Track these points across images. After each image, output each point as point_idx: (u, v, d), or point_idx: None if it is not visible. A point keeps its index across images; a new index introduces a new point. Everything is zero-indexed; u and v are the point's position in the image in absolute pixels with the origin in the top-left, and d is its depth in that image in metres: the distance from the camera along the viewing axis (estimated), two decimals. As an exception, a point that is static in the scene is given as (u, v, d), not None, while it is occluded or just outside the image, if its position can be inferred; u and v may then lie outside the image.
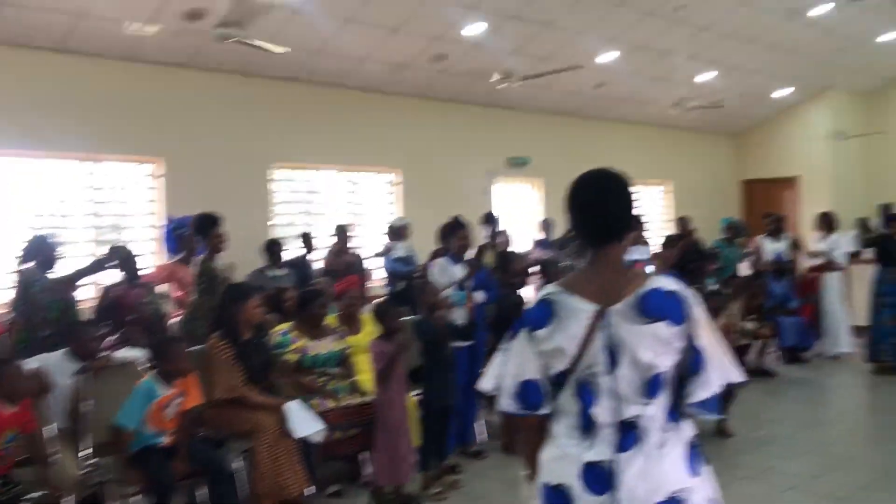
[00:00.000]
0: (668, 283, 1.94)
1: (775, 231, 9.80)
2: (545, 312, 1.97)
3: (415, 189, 10.72)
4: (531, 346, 1.98)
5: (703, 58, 11.61)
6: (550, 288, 2.02)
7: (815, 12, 10.78)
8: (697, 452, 1.97)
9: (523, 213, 12.16)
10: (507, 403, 2.02)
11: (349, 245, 8.43)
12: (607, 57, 10.95)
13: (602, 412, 1.91)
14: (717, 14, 10.41)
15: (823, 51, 12.49)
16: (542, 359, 1.97)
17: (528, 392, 1.99)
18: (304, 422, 4.39)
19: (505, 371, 2.03)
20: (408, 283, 7.33)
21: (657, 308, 1.90)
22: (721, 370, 1.92)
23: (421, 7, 8.56)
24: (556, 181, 12.35)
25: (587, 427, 1.93)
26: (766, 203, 14.46)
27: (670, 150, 14.29)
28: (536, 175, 12.29)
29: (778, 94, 13.96)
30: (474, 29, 9.28)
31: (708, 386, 1.90)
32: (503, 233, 9.10)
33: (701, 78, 12.21)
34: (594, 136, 13.06)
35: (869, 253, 9.39)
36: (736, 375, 1.95)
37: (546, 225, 10.49)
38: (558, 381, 1.97)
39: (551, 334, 1.94)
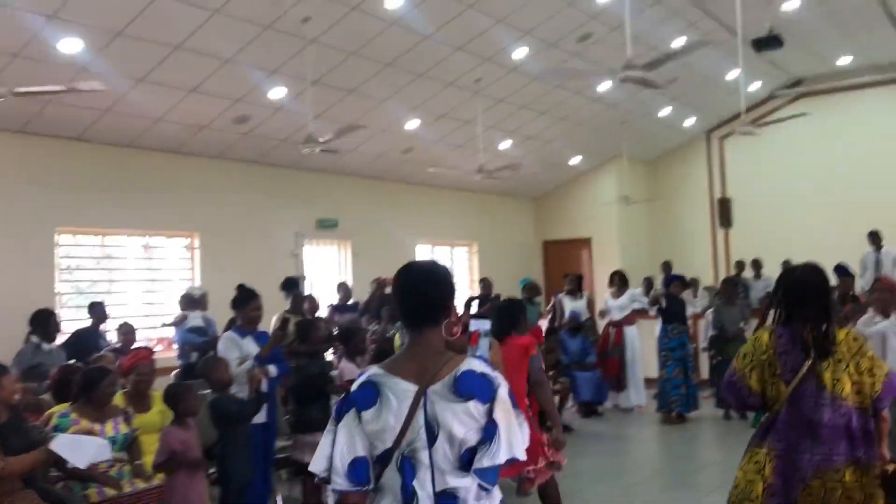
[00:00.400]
0: (479, 366, 2.14)
1: (574, 290, 10.33)
2: (370, 394, 2.12)
3: (214, 254, 10.35)
4: (358, 426, 2.10)
5: (501, 127, 12.22)
6: (375, 370, 2.18)
7: (601, 88, 11.67)
8: None
9: (333, 275, 12.02)
10: (339, 483, 2.10)
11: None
12: (413, 124, 11.24)
13: (422, 485, 2.06)
14: (512, 87, 11.02)
15: (609, 123, 13.50)
16: (368, 438, 2.10)
17: (357, 469, 2.11)
18: (80, 450, 3.99)
19: (334, 451, 2.12)
20: (201, 355, 6.97)
21: (468, 388, 2.09)
22: (509, 445, 2.07)
23: (221, 68, 8.38)
24: (363, 243, 12.42)
25: (409, 499, 2.07)
26: (564, 262, 15.32)
27: (476, 213, 14.66)
28: (344, 237, 12.22)
29: (573, 161, 14.90)
30: (277, 92, 9.20)
31: (493, 457, 2.05)
32: (310, 297, 8.92)
33: (501, 145, 12.88)
34: (402, 199, 13.28)
35: (653, 310, 10.03)
36: (521, 453, 2.10)
37: (343, 289, 10.30)
38: (382, 458, 2.10)
39: (377, 414, 2.09)
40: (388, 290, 7.90)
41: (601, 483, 6.70)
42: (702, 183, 15.84)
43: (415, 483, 2.06)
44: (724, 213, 15.42)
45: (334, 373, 5.93)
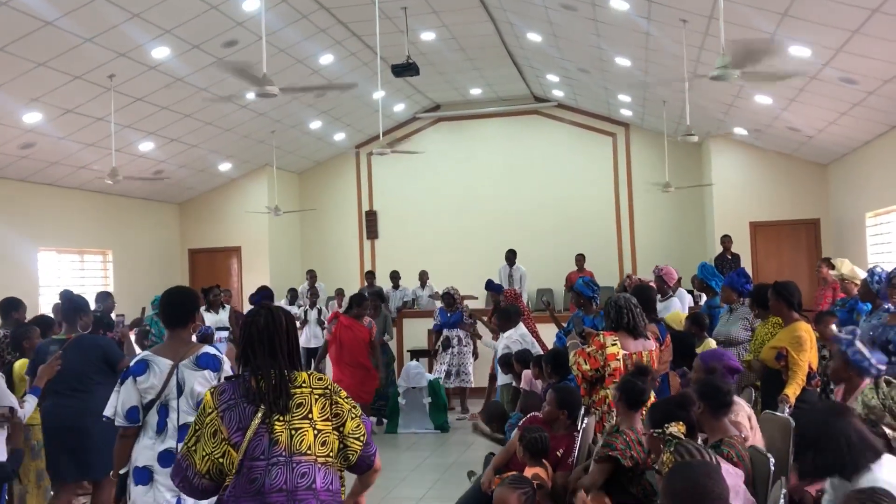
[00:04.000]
0: (213, 350, 3.78)
1: (214, 303, 10.03)
2: (143, 366, 3.66)
3: None
4: (133, 387, 3.62)
5: (140, 127, 11.52)
6: (146, 353, 3.76)
7: (249, 96, 11.42)
8: None
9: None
10: (119, 421, 3.61)
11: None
12: (33, 117, 10.08)
13: (171, 421, 3.61)
14: (152, 86, 10.44)
15: (258, 131, 13.43)
16: (140, 394, 3.61)
17: (132, 413, 3.62)
18: None
19: (118, 402, 3.63)
20: None
21: (205, 363, 3.70)
22: None
23: None
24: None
25: (161, 430, 3.61)
26: (212, 272, 15.00)
27: (111, 218, 13.76)
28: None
29: (222, 167, 14.54)
30: None
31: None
32: None
33: (141, 147, 12.15)
34: (20, 200, 11.86)
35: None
36: None
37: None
38: (147, 405, 3.61)
39: (146, 379, 3.63)
40: None
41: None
42: (351, 195, 16.34)
43: (168, 419, 3.60)
44: (370, 225, 16.14)
45: None
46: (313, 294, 12.35)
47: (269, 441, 2.48)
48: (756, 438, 3.98)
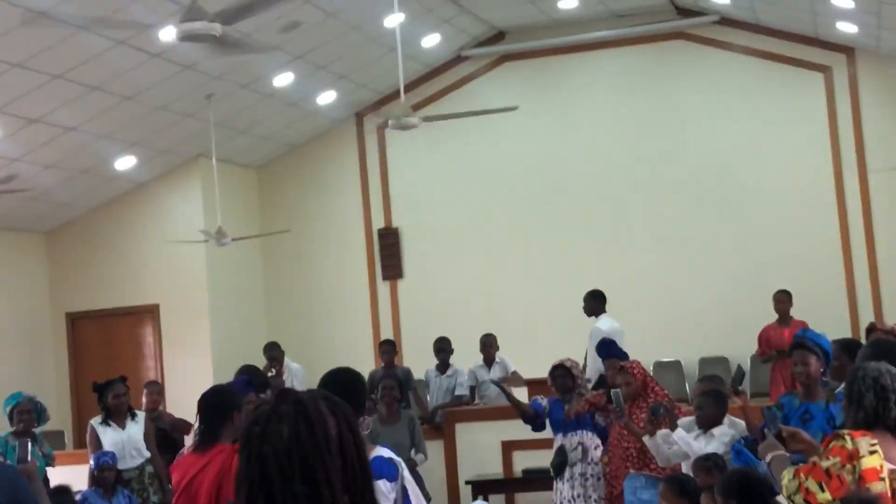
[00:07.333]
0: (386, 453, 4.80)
1: (116, 410, 10.06)
2: None
3: None
4: None
5: None
6: None
7: (165, 37, 11.34)
8: None
9: None
10: None
11: None
12: None
13: None
14: None
15: (185, 98, 13.40)
16: None
17: None
18: None
19: None
20: None
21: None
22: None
23: None
24: None
25: None
26: (109, 354, 15.23)
27: None
28: None
29: (122, 163, 14.46)
30: None
31: None
32: None
33: None
34: None
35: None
36: None
37: None
38: None
39: None
40: None
41: None
42: (353, 203, 16.39)
43: None
44: (388, 255, 15.97)
45: None
46: (276, 382, 12.17)
47: None
48: None
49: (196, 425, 7.11)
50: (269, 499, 2.61)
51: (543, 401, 10.19)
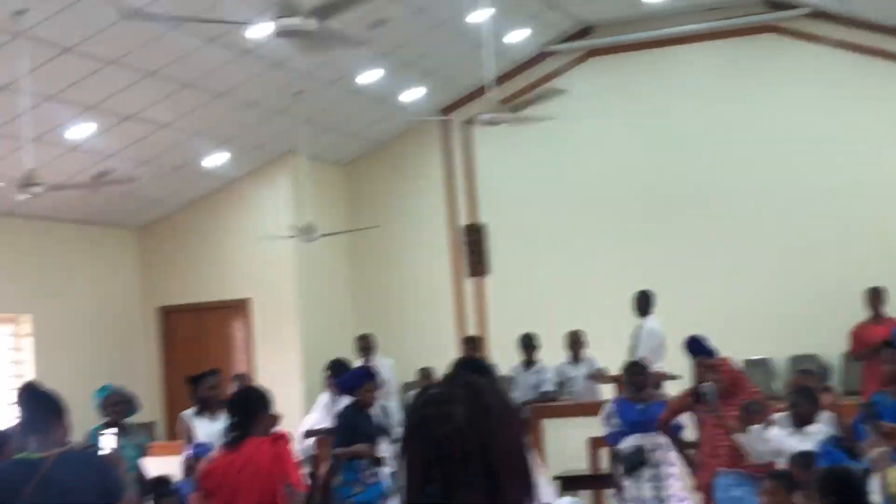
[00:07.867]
0: None
1: (210, 401, 9.98)
2: None
3: None
4: None
5: (70, 98, 11.66)
6: None
7: (250, 34, 11.31)
8: None
9: None
10: None
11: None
12: None
13: None
14: (87, 27, 10.50)
15: (273, 95, 13.61)
16: None
17: None
18: None
19: None
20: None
21: None
22: None
23: None
24: None
25: None
26: (200, 346, 15.56)
27: (26, 261, 14.08)
28: None
29: (213, 160, 14.69)
30: None
31: None
32: None
33: (70, 133, 12.39)
34: None
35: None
36: None
37: None
38: None
39: None
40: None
41: None
42: (437, 199, 16.52)
43: None
44: (474, 250, 16.16)
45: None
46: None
47: None
48: None
49: (226, 424, 7.71)
50: (448, 478, 2.61)
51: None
